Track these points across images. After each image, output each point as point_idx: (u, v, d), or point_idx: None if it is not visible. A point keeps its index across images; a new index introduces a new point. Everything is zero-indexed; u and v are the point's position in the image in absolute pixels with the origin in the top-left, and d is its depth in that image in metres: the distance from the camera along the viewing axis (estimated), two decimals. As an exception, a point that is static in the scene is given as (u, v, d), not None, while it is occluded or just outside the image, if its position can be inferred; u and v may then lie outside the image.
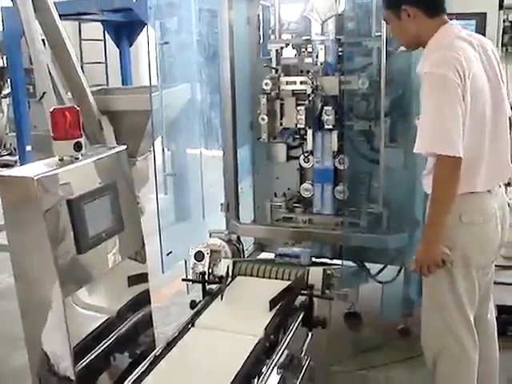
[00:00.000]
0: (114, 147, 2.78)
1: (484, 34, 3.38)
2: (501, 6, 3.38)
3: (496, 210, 2.60)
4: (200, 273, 3.17)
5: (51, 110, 2.40)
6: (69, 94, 5.05)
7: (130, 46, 8.63)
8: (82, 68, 9.20)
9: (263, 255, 4.19)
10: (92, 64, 9.50)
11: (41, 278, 2.32)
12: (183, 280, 3.31)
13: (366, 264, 3.82)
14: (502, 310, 4.00)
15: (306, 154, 3.71)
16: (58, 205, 2.29)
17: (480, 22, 3.41)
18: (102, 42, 9.29)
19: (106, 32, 8.94)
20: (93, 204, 2.42)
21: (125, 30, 8.36)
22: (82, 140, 2.44)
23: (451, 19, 3.41)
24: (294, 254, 3.44)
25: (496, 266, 4.81)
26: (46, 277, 2.30)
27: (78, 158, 2.45)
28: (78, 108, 2.44)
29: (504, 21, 7.46)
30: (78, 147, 2.41)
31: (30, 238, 2.28)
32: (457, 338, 2.66)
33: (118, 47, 8.69)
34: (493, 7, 3.38)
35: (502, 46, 7.35)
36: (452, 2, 3.34)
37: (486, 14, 3.40)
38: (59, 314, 2.32)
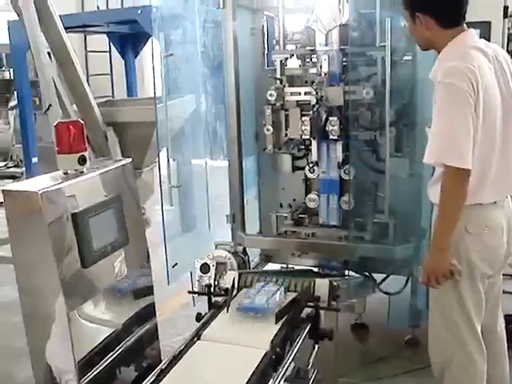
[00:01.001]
0: (119, 160, 2.78)
1: (489, 41, 3.38)
2: (505, 15, 3.38)
3: (502, 220, 2.58)
4: (206, 285, 3.15)
5: (55, 124, 2.40)
6: (74, 106, 5.07)
7: (136, 57, 8.66)
8: (87, 79, 9.30)
9: (269, 266, 4.17)
10: (98, 76, 9.57)
11: (45, 292, 2.32)
12: (189, 292, 3.29)
13: (374, 274, 3.80)
14: (511, 320, 3.97)
15: (311, 165, 3.70)
16: (62, 218, 2.28)
17: (485, 31, 3.41)
18: (108, 54, 9.34)
19: (111, 44, 8.98)
20: (98, 217, 2.41)
21: (130, 41, 8.40)
22: (87, 153, 2.44)
23: None
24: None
25: (505, 275, 4.83)
26: (50, 291, 2.29)
27: (82, 172, 2.45)
28: (82, 122, 2.44)
29: (509, 28, 7.52)
30: (82, 161, 2.41)
31: (35, 251, 2.27)
32: (464, 348, 2.63)
33: (124, 59, 8.73)
34: (497, 16, 3.39)
35: (508, 53, 7.35)
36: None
37: (490, 22, 3.41)
38: (64, 327, 2.31)
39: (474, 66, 2.38)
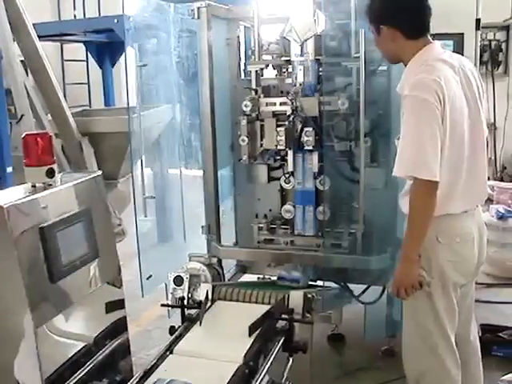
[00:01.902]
0: (89, 172, 2.74)
1: (462, 54, 3.41)
2: (478, 27, 3.41)
3: (473, 230, 2.59)
4: (179, 298, 3.12)
5: (22, 136, 2.36)
6: (49, 115, 5.02)
7: (113, 66, 8.61)
8: (64, 89, 9.28)
9: (245, 277, 4.14)
10: (75, 85, 9.51)
11: (12, 308, 2.26)
12: (162, 305, 3.25)
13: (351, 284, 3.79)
14: (485, 329, 3.99)
15: (286, 175, 3.69)
16: (29, 232, 2.23)
17: (458, 42, 3.45)
18: (85, 63, 9.29)
19: (88, 52, 8.93)
20: (66, 231, 2.36)
21: (107, 50, 8.36)
22: (55, 166, 2.39)
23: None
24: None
25: (479, 283, 4.89)
26: (17, 306, 2.23)
27: (51, 185, 2.40)
28: (50, 134, 2.40)
29: (483, 39, 7.65)
30: (50, 173, 2.36)
31: (1, 266, 2.22)
32: (438, 358, 2.63)
33: (101, 68, 8.68)
34: (470, 28, 3.43)
35: (482, 64, 7.46)
36: (431, 23, 3.40)
37: (463, 34, 3.44)
38: (31, 343, 2.25)
39: (440, 78, 2.40)
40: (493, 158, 8.12)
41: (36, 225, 2.26)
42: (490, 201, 6.42)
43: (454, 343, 2.65)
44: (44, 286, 2.29)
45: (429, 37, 2.60)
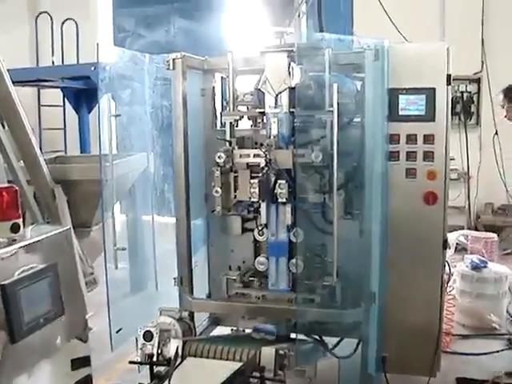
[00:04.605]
0: (59, 226, 2.68)
1: (434, 108, 3.47)
2: (449, 82, 3.47)
3: None
4: (148, 354, 3.03)
5: (-14, 190, 2.30)
6: (21, 162, 4.94)
7: (89, 112, 8.61)
8: (40, 134, 9.23)
9: (219, 329, 4.06)
10: (51, 130, 9.46)
11: (-30, 369, 2.17)
12: (130, 363, 3.15)
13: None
14: (461, 382, 3.95)
15: (260, 227, 3.67)
16: (-10, 290, 2.16)
17: (430, 97, 3.50)
18: (62, 108, 9.27)
19: (65, 98, 8.92)
20: (30, 288, 2.28)
21: (84, 96, 8.36)
22: (20, 221, 2.33)
23: (402, 94, 3.54)
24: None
25: (455, 335, 4.85)
26: (-25, 368, 2.14)
27: (15, 240, 2.33)
28: (16, 188, 2.34)
29: (455, 91, 7.84)
30: (15, 229, 2.30)
31: (-41, 326, 2.14)
32: None
33: (78, 114, 8.67)
34: (441, 83, 3.48)
35: (454, 115, 7.62)
36: (403, 77, 3.47)
37: (434, 88, 3.50)
38: (-10, 408, 2.16)
39: None
40: (466, 206, 8.20)
41: (-3, 282, 2.18)
42: (464, 250, 6.46)
43: None
44: (4, 345, 2.20)
45: None
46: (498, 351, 4.70)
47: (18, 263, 2.30)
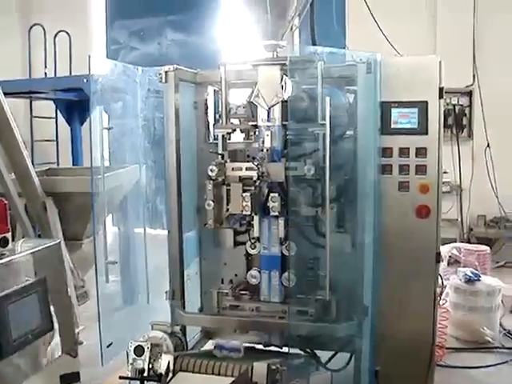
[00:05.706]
0: (49, 240, 2.65)
1: (427, 120, 3.47)
2: (441, 95, 3.48)
3: None
4: (139, 369, 2.99)
5: (-26, 204, 2.28)
6: (12, 174, 4.91)
7: (82, 124, 8.57)
8: (32, 145, 9.18)
9: (210, 343, 4.03)
10: (43, 142, 9.42)
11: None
12: (120, 378, 3.11)
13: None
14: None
15: (252, 241, 3.64)
16: (-22, 306, 2.13)
17: (422, 110, 3.51)
18: (54, 120, 9.23)
19: (57, 110, 8.89)
20: (18, 303, 2.25)
21: (76, 108, 8.32)
22: (9, 235, 2.30)
23: (395, 107, 3.54)
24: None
25: (448, 348, 4.83)
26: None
27: (4, 254, 2.31)
28: (5, 202, 2.32)
29: (447, 104, 7.87)
30: (3, 243, 2.27)
31: None
32: None
33: (70, 125, 8.63)
34: (433, 96, 3.50)
35: (447, 127, 7.64)
36: (395, 90, 3.48)
37: (427, 102, 3.51)
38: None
39: None
40: (459, 219, 8.21)
41: (-15, 297, 2.16)
42: (457, 263, 6.45)
43: None
44: (-9, 362, 2.17)
45: None
46: (491, 365, 4.69)
47: (6, 278, 2.27)
